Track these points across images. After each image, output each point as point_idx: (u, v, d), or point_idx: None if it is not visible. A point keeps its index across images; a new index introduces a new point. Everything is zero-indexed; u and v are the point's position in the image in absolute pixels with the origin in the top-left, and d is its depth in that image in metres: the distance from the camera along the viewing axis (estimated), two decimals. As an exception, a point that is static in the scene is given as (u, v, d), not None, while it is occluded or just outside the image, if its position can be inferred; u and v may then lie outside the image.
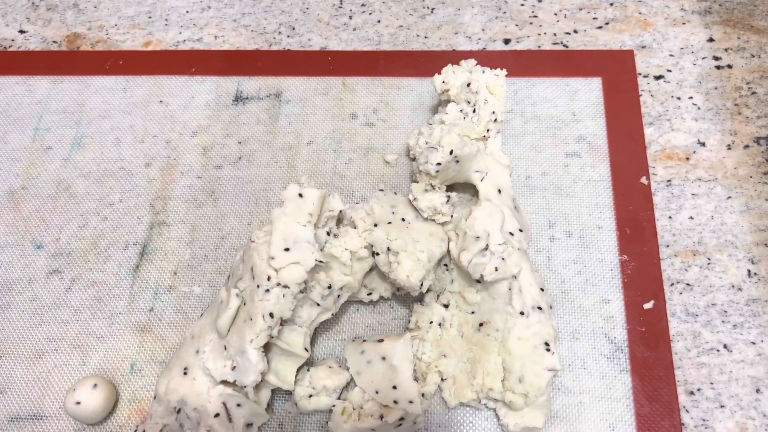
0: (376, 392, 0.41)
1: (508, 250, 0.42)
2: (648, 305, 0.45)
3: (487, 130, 0.47)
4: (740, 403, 0.43)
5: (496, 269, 0.41)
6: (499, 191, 0.44)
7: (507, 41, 0.55)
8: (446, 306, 0.44)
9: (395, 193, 0.47)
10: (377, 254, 0.43)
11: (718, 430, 0.42)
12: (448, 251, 0.44)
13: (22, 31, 0.58)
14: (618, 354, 0.44)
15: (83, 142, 0.53)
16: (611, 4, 0.57)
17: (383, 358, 0.42)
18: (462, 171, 0.45)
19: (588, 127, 0.51)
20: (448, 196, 0.45)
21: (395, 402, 0.41)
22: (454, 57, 0.53)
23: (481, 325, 0.43)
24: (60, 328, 0.46)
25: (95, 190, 0.51)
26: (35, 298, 0.47)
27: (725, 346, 0.44)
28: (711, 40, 0.55)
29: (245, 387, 0.40)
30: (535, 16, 0.56)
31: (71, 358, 0.45)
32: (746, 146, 0.50)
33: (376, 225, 0.44)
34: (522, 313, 0.42)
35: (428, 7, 0.57)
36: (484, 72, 0.48)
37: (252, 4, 0.59)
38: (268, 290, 0.38)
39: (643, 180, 0.49)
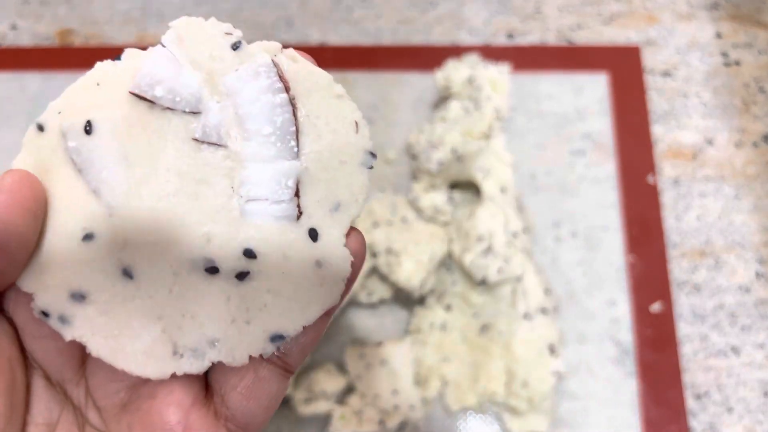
0: (376, 397, 0.40)
1: (512, 250, 0.41)
2: (655, 307, 0.44)
3: (490, 128, 0.46)
4: (748, 407, 0.42)
5: (500, 271, 0.41)
6: (503, 190, 0.43)
7: (510, 36, 0.54)
8: (448, 308, 0.43)
9: (395, 193, 0.46)
10: (377, 255, 0.42)
11: (727, 436, 0.41)
12: (450, 252, 0.43)
13: (13, 27, 0.57)
14: (624, 357, 0.43)
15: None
16: (616, -1, 0.56)
17: (383, 362, 0.41)
18: (464, 169, 0.44)
19: (593, 124, 0.50)
20: (450, 196, 0.44)
21: (395, 407, 0.40)
22: (456, 52, 0.52)
23: (483, 328, 0.42)
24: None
25: (88, 189, 0.50)
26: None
27: (733, 349, 0.43)
28: (718, 36, 0.54)
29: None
30: (538, 11, 0.55)
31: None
32: (755, 144, 0.49)
33: (375, 225, 0.43)
34: (526, 316, 0.41)
35: (429, 1, 0.56)
36: (486, 67, 0.47)
37: (249, -2, 0.57)
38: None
39: (649, 179, 0.48)
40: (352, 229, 0.20)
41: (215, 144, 0.19)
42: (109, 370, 0.19)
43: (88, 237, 0.18)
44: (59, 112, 0.19)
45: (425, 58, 0.53)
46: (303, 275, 0.18)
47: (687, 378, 0.43)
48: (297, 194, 0.19)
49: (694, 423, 0.42)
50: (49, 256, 0.18)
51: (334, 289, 0.19)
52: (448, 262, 0.44)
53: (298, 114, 0.19)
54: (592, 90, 0.51)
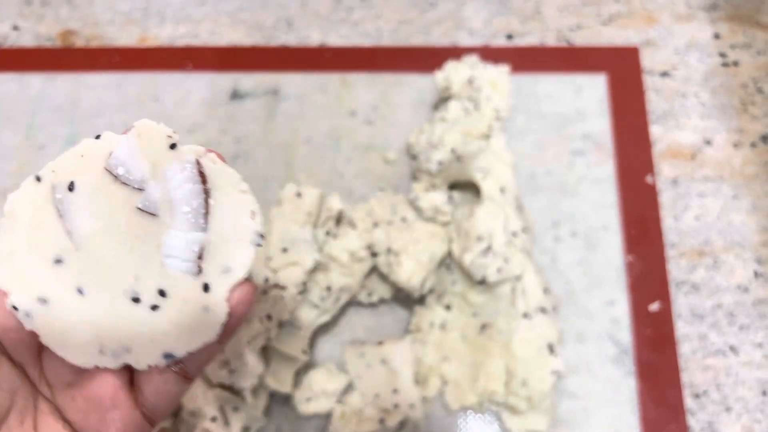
0: (376, 396, 0.40)
1: (512, 250, 0.41)
2: (654, 307, 0.44)
3: (490, 128, 0.46)
4: (747, 406, 0.42)
5: (499, 270, 0.41)
6: (502, 190, 0.43)
7: (510, 37, 0.55)
8: (448, 308, 0.43)
9: (395, 193, 0.47)
10: (377, 255, 0.42)
11: (726, 435, 0.41)
12: (450, 252, 0.43)
13: (15, 27, 0.57)
14: (623, 357, 0.43)
15: (77, 141, 0.52)
16: (616, 0, 0.56)
17: (383, 362, 0.41)
18: (464, 170, 0.44)
19: (593, 124, 0.50)
20: (450, 196, 0.44)
21: (396, 406, 0.40)
22: (456, 53, 0.53)
23: (483, 327, 0.42)
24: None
25: (89, 189, 0.50)
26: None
27: (731, 348, 0.44)
28: (717, 36, 0.54)
29: (242, 390, 0.39)
30: (538, 12, 0.56)
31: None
32: (753, 145, 0.50)
33: (376, 225, 0.43)
34: (525, 315, 0.41)
35: (429, 2, 0.57)
36: (486, 68, 0.47)
37: (249, -1, 0.58)
38: (265, 292, 0.38)
39: (648, 179, 0.48)
40: (246, 284, 0.26)
41: (151, 214, 0.25)
42: (60, 359, 0.26)
43: (58, 261, 0.25)
44: (53, 171, 0.26)
45: (425, 58, 0.53)
46: (194, 315, 0.25)
47: (685, 377, 0.43)
48: (200, 257, 0.25)
49: (692, 422, 0.42)
50: (27, 268, 0.25)
51: (211, 331, 0.26)
52: (448, 262, 0.44)
53: (210, 201, 0.26)
54: (592, 90, 0.51)
